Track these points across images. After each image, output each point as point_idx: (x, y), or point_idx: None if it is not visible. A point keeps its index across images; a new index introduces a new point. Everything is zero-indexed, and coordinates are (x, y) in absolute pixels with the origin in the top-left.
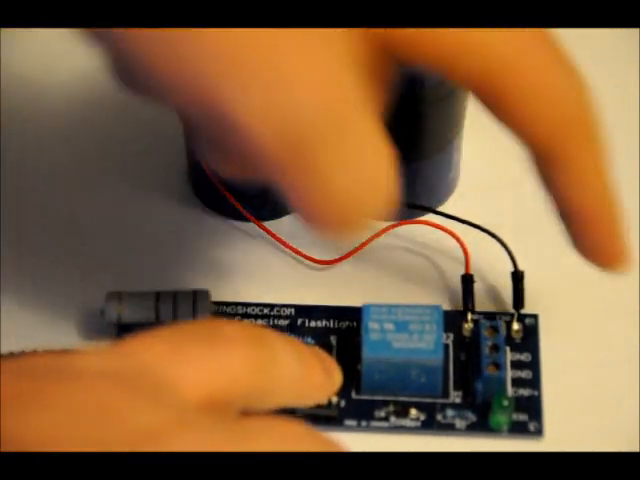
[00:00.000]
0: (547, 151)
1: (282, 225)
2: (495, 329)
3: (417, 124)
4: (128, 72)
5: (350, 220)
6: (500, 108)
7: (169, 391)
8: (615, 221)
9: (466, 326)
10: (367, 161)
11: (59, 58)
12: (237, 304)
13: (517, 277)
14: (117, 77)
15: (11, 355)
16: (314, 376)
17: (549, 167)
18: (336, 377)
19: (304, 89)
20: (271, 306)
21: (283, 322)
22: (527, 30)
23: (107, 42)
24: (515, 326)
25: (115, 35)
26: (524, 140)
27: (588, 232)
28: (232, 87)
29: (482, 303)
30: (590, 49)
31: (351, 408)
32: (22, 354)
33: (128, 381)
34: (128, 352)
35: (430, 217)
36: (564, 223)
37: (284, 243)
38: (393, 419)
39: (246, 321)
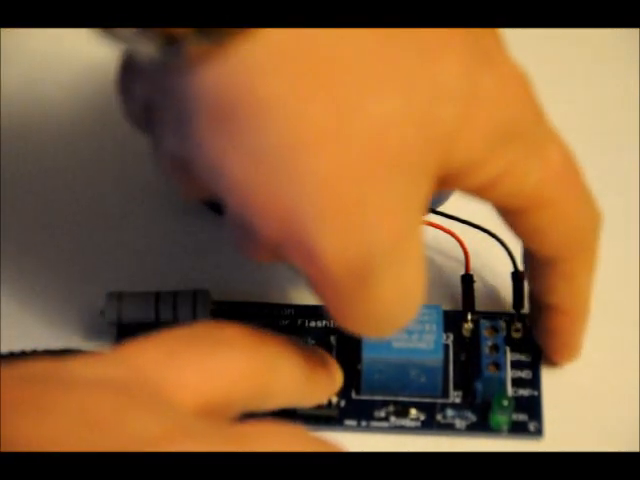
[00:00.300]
0: (550, 260)
1: None
2: (495, 329)
3: None
4: (192, 173)
5: (383, 332)
6: (525, 228)
7: (166, 398)
8: (582, 326)
9: (466, 326)
10: (412, 282)
11: (59, 58)
12: (237, 304)
13: (517, 277)
14: (164, 169)
15: (11, 355)
16: (315, 377)
17: (544, 268)
18: (337, 377)
19: (380, 230)
20: (271, 306)
21: (283, 322)
22: (561, 160)
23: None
24: (515, 326)
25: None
26: (531, 249)
27: (559, 327)
28: (315, 221)
29: (482, 303)
30: (590, 49)
31: (351, 408)
32: (22, 354)
33: (126, 389)
34: (125, 358)
35: (430, 217)
36: (535, 309)
37: None
38: (393, 419)
39: (246, 323)
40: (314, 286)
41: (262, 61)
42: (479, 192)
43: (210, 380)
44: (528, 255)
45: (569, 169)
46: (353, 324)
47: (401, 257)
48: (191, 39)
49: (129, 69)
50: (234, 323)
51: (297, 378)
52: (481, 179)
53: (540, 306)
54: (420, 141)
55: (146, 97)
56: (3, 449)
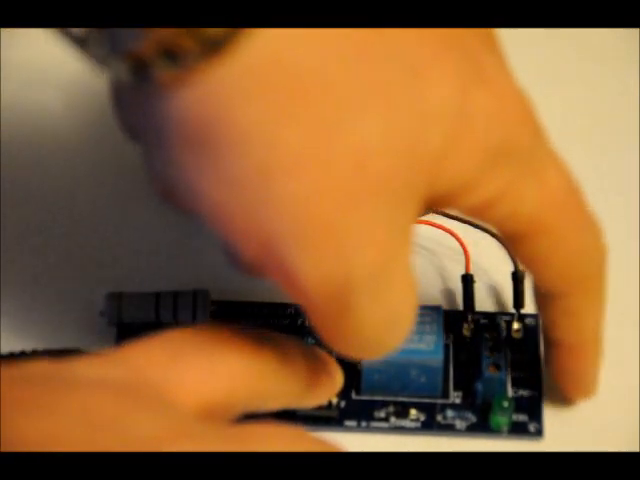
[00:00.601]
0: (552, 294)
1: None
2: (495, 329)
3: None
4: (176, 194)
5: (371, 354)
6: (525, 255)
7: (168, 399)
8: (594, 364)
9: (466, 326)
10: (398, 306)
11: (59, 58)
12: (237, 304)
13: (518, 277)
14: (156, 189)
15: (11, 355)
16: (315, 377)
17: (548, 301)
18: (337, 378)
19: (361, 256)
20: (271, 306)
21: (283, 322)
22: (562, 186)
23: (159, 160)
24: (515, 326)
25: (172, 157)
26: (538, 279)
27: (567, 363)
28: (293, 244)
29: (482, 303)
30: (590, 49)
31: (351, 409)
32: (22, 354)
33: (127, 390)
34: (127, 360)
35: (430, 217)
36: (545, 342)
37: None
38: (393, 420)
39: (245, 323)
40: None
41: (235, 86)
42: (475, 213)
43: (211, 382)
44: (535, 287)
45: (570, 195)
46: (339, 346)
47: (385, 282)
48: (160, 64)
49: (118, 88)
50: (234, 325)
51: (297, 379)
52: (475, 200)
53: (548, 340)
54: (404, 165)
55: (131, 118)
56: (3, 448)
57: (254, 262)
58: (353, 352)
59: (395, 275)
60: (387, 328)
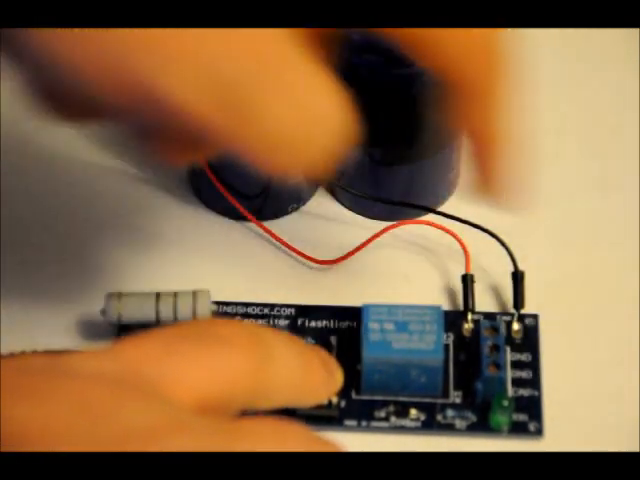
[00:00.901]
0: (452, 84)
1: (282, 225)
2: (495, 329)
3: (417, 124)
4: (53, 86)
5: (305, 159)
6: (421, 52)
7: (164, 394)
8: (495, 156)
9: (466, 326)
10: (309, 99)
11: None
12: (237, 304)
13: (517, 277)
14: (41, 99)
15: (11, 355)
16: (315, 375)
17: (458, 97)
18: (337, 377)
19: (232, 53)
20: (271, 306)
21: (283, 322)
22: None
23: (29, 55)
24: (515, 326)
25: (36, 43)
26: (438, 73)
27: (481, 162)
28: (163, 72)
29: (482, 303)
30: (590, 49)
31: (351, 408)
32: (22, 354)
33: (123, 383)
34: (123, 354)
35: (430, 217)
36: (471, 150)
37: (284, 243)
38: (393, 419)
39: (246, 321)
40: (208, 141)
41: None
42: None
43: (208, 377)
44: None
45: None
46: (262, 156)
47: (273, 71)
48: None
49: None
50: (232, 320)
51: (297, 377)
52: None
53: (473, 151)
54: None
55: None
56: (2, 435)
57: (155, 126)
58: (285, 165)
59: (298, 73)
60: (306, 129)
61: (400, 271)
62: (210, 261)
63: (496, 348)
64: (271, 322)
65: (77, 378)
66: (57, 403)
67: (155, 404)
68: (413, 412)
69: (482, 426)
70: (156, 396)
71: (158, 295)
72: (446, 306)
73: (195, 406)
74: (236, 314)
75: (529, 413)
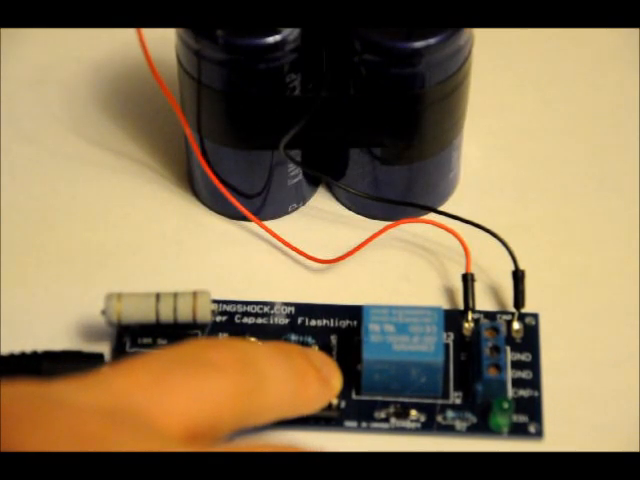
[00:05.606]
0: None
1: (282, 225)
2: (495, 329)
3: (417, 124)
4: None
5: None
6: None
7: (152, 423)
8: None
9: (466, 325)
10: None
11: (59, 58)
12: (237, 303)
13: (518, 276)
14: None
15: (11, 356)
16: (308, 389)
17: None
18: (334, 383)
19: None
20: (271, 305)
21: (283, 321)
22: None
23: None
24: (515, 326)
25: None
26: None
27: None
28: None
29: (483, 302)
30: (590, 49)
31: (351, 409)
32: (22, 354)
33: (114, 415)
34: (111, 383)
35: (430, 216)
36: None
37: (284, 243)
38: (393, 420)
39: (235, 339)
40: None
41: None
42: None
43: (196, 404)
44: None
45: None
46: None
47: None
48: None
49: None
50: (222, 341)
51: (288, 392)
52: None
53: None
54: None
55: None
56: None
57: None
58: None
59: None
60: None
61: (400, 271)
62: (210, 261)
63: (496, 349)
64: (271, 321)
65: (67, 407)
66: (52, 432)
67: (144, 434)
68: (413, 413)
69: (482, 427)
70: (146, 427)
71: (158, 295)
72: (446, 305)
73: (184, 434)
74: (236, 313)
75: (529, 414)
